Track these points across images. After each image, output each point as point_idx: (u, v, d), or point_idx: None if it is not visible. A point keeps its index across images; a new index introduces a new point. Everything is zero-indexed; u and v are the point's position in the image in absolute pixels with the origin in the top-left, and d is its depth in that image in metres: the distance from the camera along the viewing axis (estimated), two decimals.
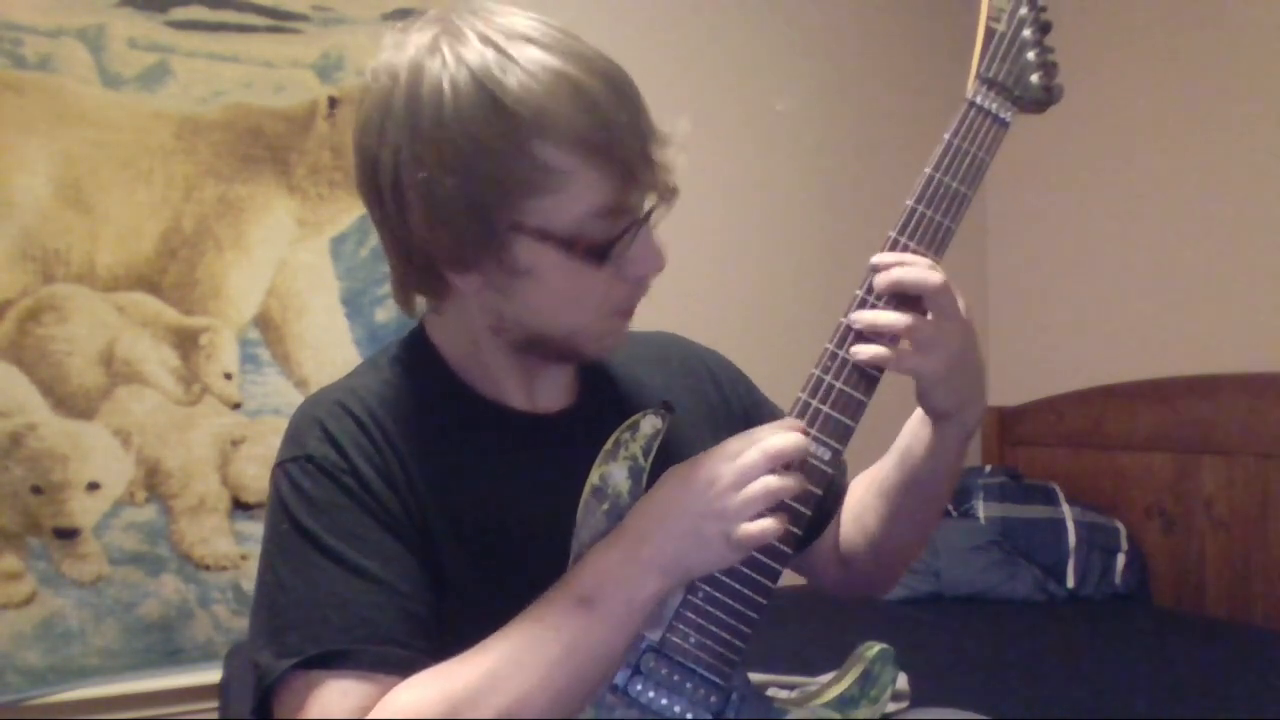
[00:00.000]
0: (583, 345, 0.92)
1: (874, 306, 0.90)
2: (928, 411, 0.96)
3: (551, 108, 0.81)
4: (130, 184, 2.09)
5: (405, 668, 0.81)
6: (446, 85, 0.81)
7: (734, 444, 0.86)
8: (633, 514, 0.87)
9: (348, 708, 0.80)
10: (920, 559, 2.55)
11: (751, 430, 0.87)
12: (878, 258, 0.91)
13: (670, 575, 0.84)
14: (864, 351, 0.89)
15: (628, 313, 0.92)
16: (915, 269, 0.89)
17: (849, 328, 0.90)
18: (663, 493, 0.86)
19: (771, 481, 0.84)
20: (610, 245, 0.85)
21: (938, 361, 0.89)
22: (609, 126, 0.82)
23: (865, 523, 1.06)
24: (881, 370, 0.90)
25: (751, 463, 0.84)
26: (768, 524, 0.83)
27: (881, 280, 0.90)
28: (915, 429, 0.99)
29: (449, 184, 0.81)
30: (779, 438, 0.86)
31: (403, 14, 2.30)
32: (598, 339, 0.92)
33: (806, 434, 0.88)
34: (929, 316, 0.90)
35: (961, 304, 0.91)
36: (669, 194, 0.87)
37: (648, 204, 0.87)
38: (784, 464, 0.85)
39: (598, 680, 0.84)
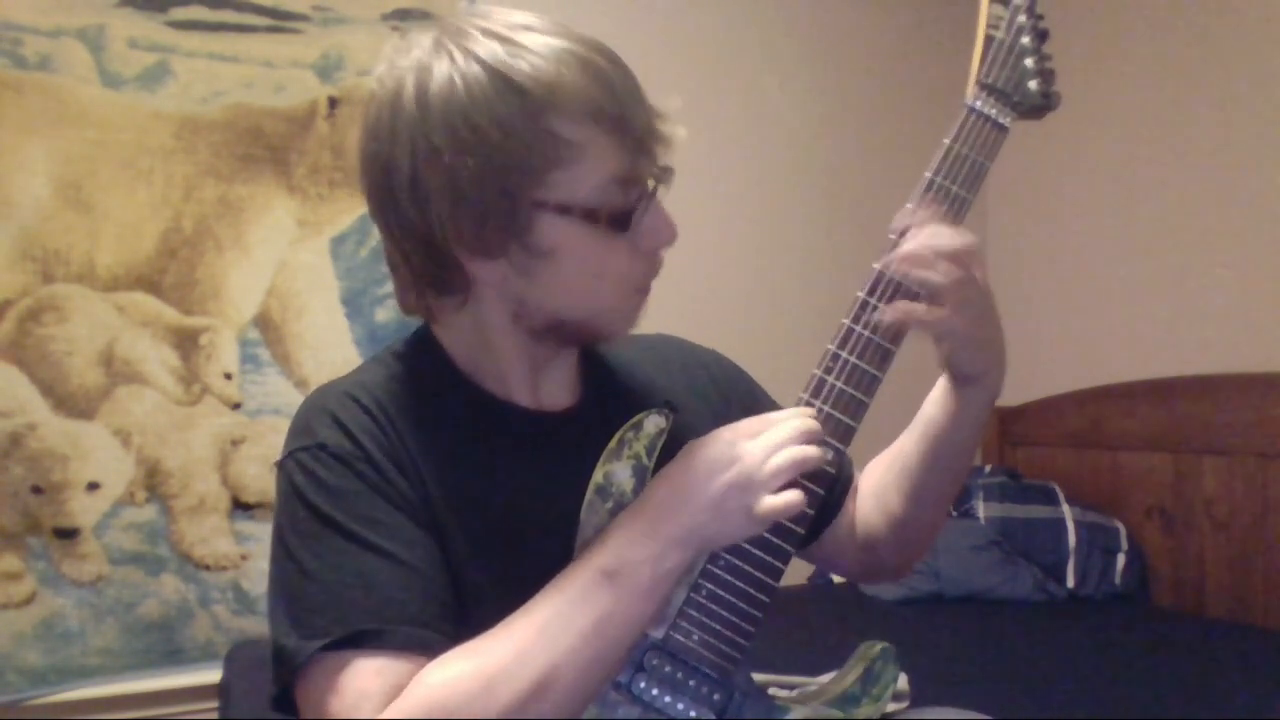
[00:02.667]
0: (602, 325, 0.93)
1: (876, 309, 0.91)
2: (954, 376, 0.97)
3: (562, 83, 0.83)
4: (130, 184, 2.09)
5: (432, 649, 0.82)
6: (458, 77, 0.84)
7: (751, 423, 0.87)
8: (653, 486, 0.87)
9: (382, 686, 0.80)
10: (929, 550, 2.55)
11: (764, 415, 0.88)
12: (901, 220, 0.92)
13: (689, 547, 0.85)
14: (893, 311, 0.90)
15: (645, 290, 0.94)
16: (947, 229, 0.90)
17: (851, 328, 0.91)
18: (683, 466, 0.86)
19: (796, 451, 0.85)
20: (629, 213, 0.87)
21: (967, 320, 0.90)
22: (618, 97, 0.85)
23: (887, 502, 1.07)
24: (888, 358, 0.91)
25: (779, 438, 0.85)
26: (791, 496, 0.84)
27: (911, 242, 0.90)
28: (939, 399, 1.00)
29: (470, 165, 0.83)
30: (803, 420, 0.87)
31: (403, 14, 2.30)
32: (617, 318, 0.93)
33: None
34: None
35: (981, 266, 0.92)
36: (667, 173, 0.90)
37: (651, 181, 0.89)
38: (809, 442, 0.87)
39: (624, 651, 0.85)
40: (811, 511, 0.88)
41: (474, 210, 0.84)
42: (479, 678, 0.79)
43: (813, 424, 0.88)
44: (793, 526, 0.88)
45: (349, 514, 0.85)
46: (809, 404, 0.90)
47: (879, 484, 1.08)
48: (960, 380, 0.96)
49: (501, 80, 0.83)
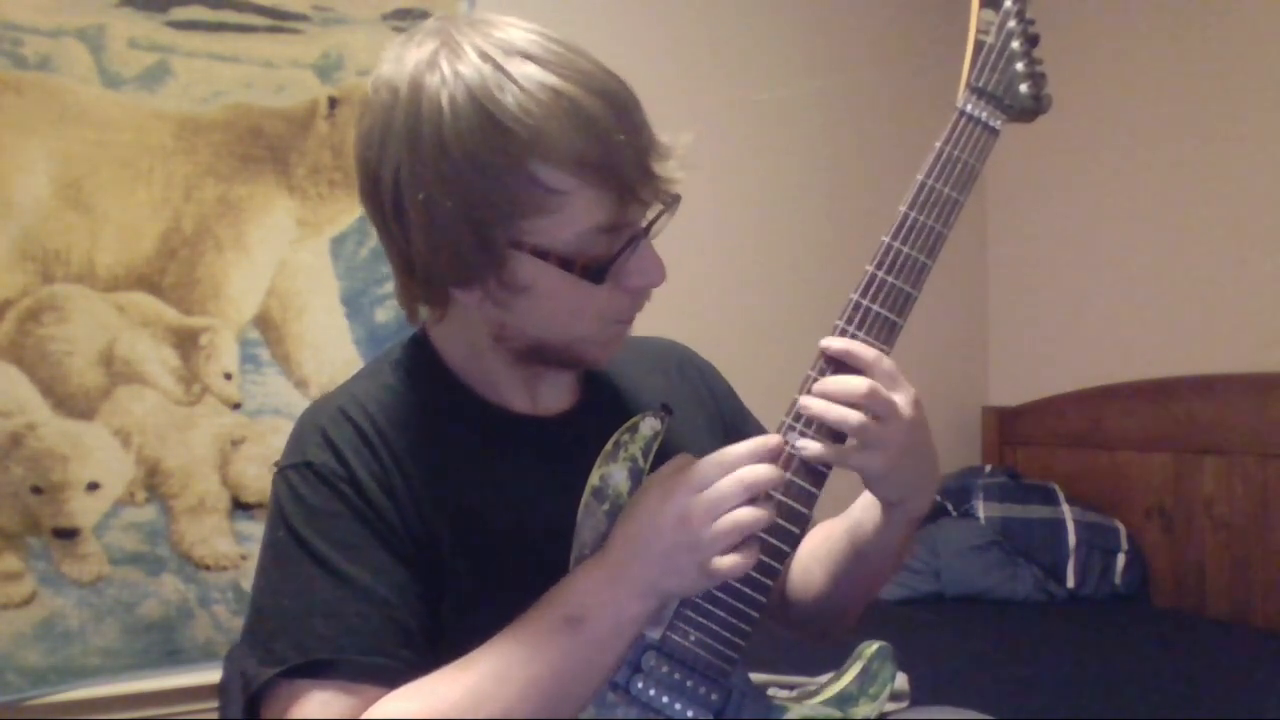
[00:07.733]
0: (583, 352, 0.93)
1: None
2: (875, 498, 0.96)
3: (549, 128, 0.80)
4: (130, 184, 2.09)
5: (390, 679, 0.82)
6: (445, 103, 0.81)
7: (704, 469, 0.84)
8: (614, 536, 0.86)
9: (329, 717, 0.80)
10: (912, 565, 2.55)
11: (722, 451, 0.85)
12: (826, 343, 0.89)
13: (649, 598, 0.84)
14: (810, 448, 0.87)
15: (628, 321, 0.93)
16: (844, 390, 0.86)
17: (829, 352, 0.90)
18: (637, 522, 0.85)
19: (741, 516, 0.82)
20: (609, 262, 0.85)
21: (881, 459, 0.88)
22: (607, 146, 0.81)
23: (812, 577, 1.07)
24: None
25: (722, 495, 0.82)
26: (736, 560, 0.82)
27: (807, 406, 0.87)
28: (865, 507, 1.00)
29: (448, 205, 0.81)
30: (753, 470, 0.83)
31: (403, 14, 2.31)
32: (598, 346, 0.93)
33: (784, 451, 0.87)
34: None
35: (904, 398, 0.88)
36: (671, 203, 0.87)
37: (649, 215, 0.88)
38: (758, 494, 0.84)
39: (582, 699, 0.84)
40: (808, 512, 0.89)
41: (449, 244, 0.83)
42: (431, 716, 0.79)
43: (765, 476, 0.83)
44: (790, 528, 0.88)
45: (323, 536, 0.85)
46: (791, 426, 0.89)
47: (810, 555, 1.08)
48: (881, 502, 0.95)
49: (486, 117, 0.80)
